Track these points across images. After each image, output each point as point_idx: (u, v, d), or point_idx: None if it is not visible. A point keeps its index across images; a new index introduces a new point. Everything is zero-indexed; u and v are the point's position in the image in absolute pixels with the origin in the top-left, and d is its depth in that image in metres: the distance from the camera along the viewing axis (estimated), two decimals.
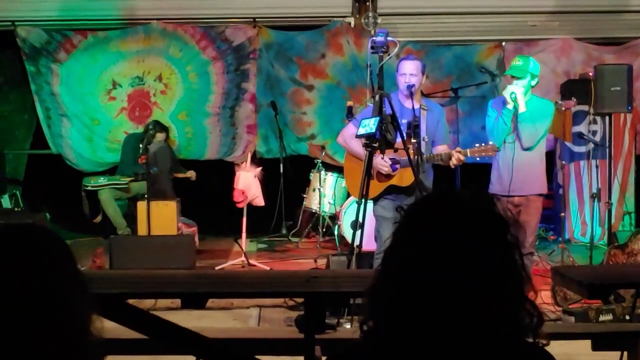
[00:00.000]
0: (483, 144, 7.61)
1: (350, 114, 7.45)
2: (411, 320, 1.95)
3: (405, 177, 7.50)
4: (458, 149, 7.65)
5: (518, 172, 7.80)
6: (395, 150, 7.25)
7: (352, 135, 7.52)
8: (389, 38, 6.96)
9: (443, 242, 1.96)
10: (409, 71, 7.69)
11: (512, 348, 2.00)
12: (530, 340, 2.06)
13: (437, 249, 1.96)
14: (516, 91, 7.79)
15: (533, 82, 7.93)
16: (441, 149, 7.79)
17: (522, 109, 7.78)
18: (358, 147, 7.57)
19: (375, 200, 7.78)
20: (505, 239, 2.02)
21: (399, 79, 7.78)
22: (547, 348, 2.13)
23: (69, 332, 1.95)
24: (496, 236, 2.01)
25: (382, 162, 7.50)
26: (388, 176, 7.70)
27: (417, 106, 7.48)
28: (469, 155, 7.55)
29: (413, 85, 7.60)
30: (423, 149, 7.52)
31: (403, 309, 1.96)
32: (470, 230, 1.98)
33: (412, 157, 7.03)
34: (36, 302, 1.92)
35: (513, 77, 7.91)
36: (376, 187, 7.70)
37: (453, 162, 7.51)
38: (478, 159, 7.69)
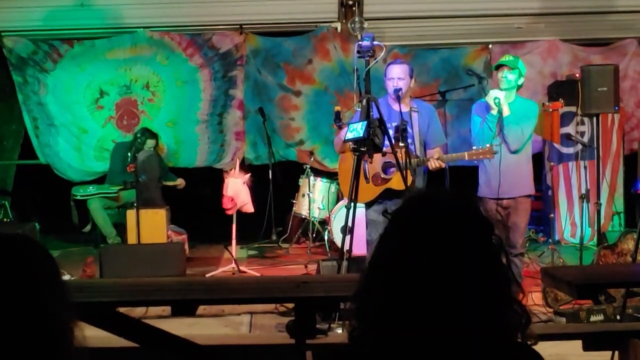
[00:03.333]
0: (480, 147, 7.65)
1: (338, 119, 7.44)
2: (398, 323, 1.95)
3: (402, 180, 7.51)
4: (439, 154, 7.71)
5: (506, 174, 7.82)
6: (384, 155, 7.26)
7: None
8: (375, 42, 6.97)
9: (428, 245, 1.96)
10: (397, 75, 7.72)
11: (500, 348, 2.00)
12: (519, 340, 2.06)
13: (422, 251, 1.96)
14: (499, 96, 7.82)
15: (520, 81, 7.95)
16: (434, 151, 7.82)
17: (506, 113, 7.81)
18: None
19: (369, 204, 7.80)
20: (489, 240, 2.03)
21: (387, 83, 7.81)
22: (539, 349, 2.13)
23: (49, 340, 1.94)
24: (481, 237, 2.01)
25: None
26: (385, 180, 7.72)
27: (405, 110, 7.51)
28: (466, 158, 7.59)
29: (400, 89, 7.63)
30: (417, 152, 7.55)
31: (390, 312, 1.96)
32: (454, 232, 1.98)
33: (400, 160, 7.04)
34: (17, 310, 1.91)
35: (504, 67, 7.91)
36: (373, 191, 7.72)
37: (431, 166, 7.58)
38: (476, 161, 7.73)
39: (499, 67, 8.04)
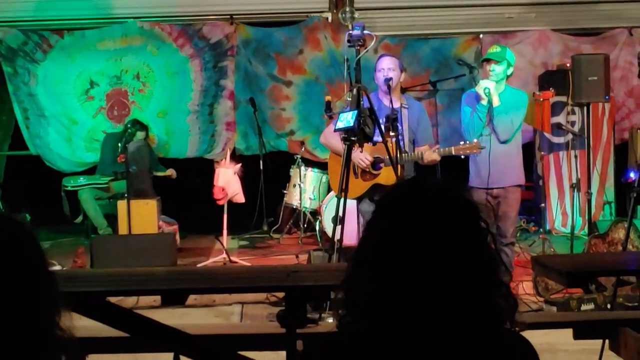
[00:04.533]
0: (468, 142, 7.65)
1: (328, 109, 7.44)
2: (386, 309, 1.95)
3: (391, 176, 7.50)
4: (437, 146, 7.71)
5: (496, 164, 7.81)
6: (374, 144, 7.26)
7: (334, 135, 7.57)
8: (365, 31, 6.96)
9: (415, 229, 1.96)
10: (387, 65, 7.72)
11: (489, 334, 2.00)
12: (507, 325, 2.06)
13: (409, 236, 1.96)
14: (489, 86, 7.80)
15: (509, 72, 7.94)
16: (423, 149, 7.80)
17: (495, 103, 7.80)
18: (338, 144, 7.61)
19: (360, 200, 7.80)
20: (477, 224, 2.02)
21: (377, 75, 7.81)
22: (529, 337, 2.12)
23: (34, 328, 1.93)
24: (468, 221, 2.01)
25: (361, 155, 7.51)
26: (373, 175, 7.71)
27: (396, 105, 7.51)
28: (453, 153, 7.59)
29: (391, 79, 7.63)
30: (406, 147, 7.55)
31: (378, 299, 1.96)
32: (441, 216, 1.98)
33: (391, 151, 7.04)
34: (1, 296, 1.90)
35: (490, 60, 7.90)
36: (361, 186, 7.72)
37: (425, 161, 7.57)
38: (462, 156, 7.72)
39: (486, 60, 8.02)
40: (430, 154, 7.63)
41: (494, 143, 7.83)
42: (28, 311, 1.92)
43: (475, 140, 7.65)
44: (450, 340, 1.94)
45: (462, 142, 7.70)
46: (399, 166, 7.11)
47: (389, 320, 1.95)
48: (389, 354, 1.95)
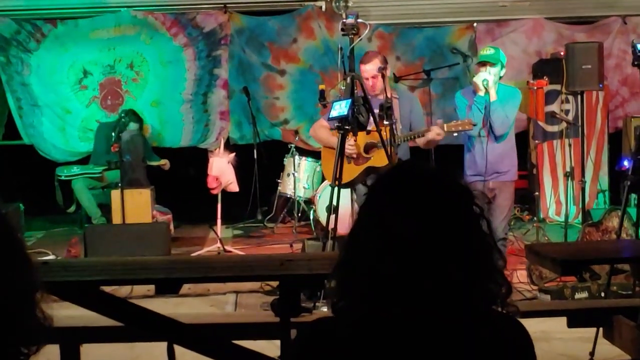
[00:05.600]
0: (460, 120, 7.61)
1: (322, 97, 7.44)
2: (379, 292, 1.95)
3: (384, 158, 7.48)
4: (439, 121, 7.65)
5: (492, 159, 7.77)
6: (368, 133, 7.25)
7: (321, 126, 7.59)
8: (359, 20, 6.94)
9: (409, 212, 1.95)
10: (369, 74, 7.67)
11: (482, 317, 2.00)
12: (500, 309, 2.06)
13: (403, 219, 1.95)
14: (488, 78, 7.78)
15: (502, 73, 7.92)
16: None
17: (492, 97, 7.77)
18: (327, 135, 7.63)
19: (354, 184, 7.78)
20: (470, 209, 2.02)
21: (363, 80, 7.75)
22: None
23: (11, 313, 1.91)
24: (462, 206, 2.01)
25: (347, 145, 7.50)
26: (365, 158, 7.70)
27: (389, 94, 7.48)
28: (445, 129, 7.51)
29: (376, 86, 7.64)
30: (399, 133, 7.53)
31: (371, 282, 1.96)
32: (433, 201, 1.98)
33: (385, 139, 7.02)
34: None
35: (485, 64, 7.88)
36: (354, 170, 7.70)
37: (431, 136, 7.46)
38: (455, 134, 7.64)
39: (481, 63, 7.98)
40: (436, 129, 7.50)
41: (490, 144, 7.79)
42: (2, 294, 1.90)
43: (466, 118, 7.61)
44: (445, 324, 1.94)
45: (453, 121, 7.66)
46: (391, 148, 7.06)
47: (383, 305, 1.95)
48: (382, 338, 1.95)
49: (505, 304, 2.06)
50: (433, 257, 1.93)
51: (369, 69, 7.67)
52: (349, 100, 6.74)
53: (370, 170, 7.66)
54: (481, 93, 7.79)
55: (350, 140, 7.36)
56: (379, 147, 7.45)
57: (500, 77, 7.95)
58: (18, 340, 1.93)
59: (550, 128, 11.38)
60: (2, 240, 1.96)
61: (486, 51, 8.01)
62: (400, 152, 7.63)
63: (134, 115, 11.27)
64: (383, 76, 7.56)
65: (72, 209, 11.19)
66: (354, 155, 7.66)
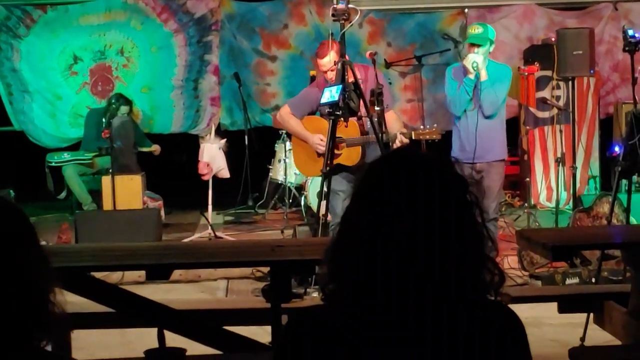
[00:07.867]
0: (427, 127, 7.64)
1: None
2: (371, 280, 1.94)
3: (351, 156, 7.45)
4: (403, 130, 7.58)
5: (480, 139, 7.81)
6: (360, 119, 7.24)
7: (289, 114, 7.54)
8: (350, 5, 6.92)
9: (401, 200, 1.95)
10: (327, 68, 7.49)
11: (474, 305, 2.00)
12: (492, 298, 2.06)
13: (395, 206, 1.95)
14: (477, 60, 7.79)
15: (491, 49, 7.94)
16: (388, 116, 7.56)
17: (483, 77, 7.79)
18: (297, 125, 7.59)
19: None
20: (464, 197, 2.02)
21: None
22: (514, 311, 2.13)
23: (29, 305, 1.93)
24: (455, 194, 2.00)
25: (318, 141, 7.45)
26: (335, 155, 7.57)
27: (380, 75, 7.45)
28: (413, 137, 7.47)
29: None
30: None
31: (363, 269, 1.95)
32: (428, 188, 1.97)
33: (375, 125, 6.99)
34: None
35: (473, 45, 7.90)
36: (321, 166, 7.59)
37: (396, 144, 7.43)
38: (423, 141, 7.60)
39: (470, 44, 8.00)
40: (402, 138, 7.43)
41: (479, 118, 7.83)
42: (21, 287, 1.92)
43: (435, 126, 7.63)
44: (433, 308, 1.94)
45: (421, 127, 7.69)
46: (380, 137, 6.97)
47: (374, 291, 1.94)
48: (372, 323, 1.95)
49: (498, 293, 2.06)
50: (424, 245, 1.92)
51: (325, 62, 7.55)
52: (340, 86, 6.73)
53: (339, 168, 7.49)
54: (471, 76, 7.80)
55: (319, 137, 7.34)
56: (349, 144, 7.43)
57: (489, 53, 7.97)
58: (34, 332, 1.95)
59: (541, 114, 11.37)
60: (20, 235, 1.98)
61: (474, 30, 8.02)
62: (372, 149, 7.48)
63: (122, 99, 11.22)
64: (374, 62, 7.53)
65: (63, 195, 11.16)
66: (323, 152, 7.55)
